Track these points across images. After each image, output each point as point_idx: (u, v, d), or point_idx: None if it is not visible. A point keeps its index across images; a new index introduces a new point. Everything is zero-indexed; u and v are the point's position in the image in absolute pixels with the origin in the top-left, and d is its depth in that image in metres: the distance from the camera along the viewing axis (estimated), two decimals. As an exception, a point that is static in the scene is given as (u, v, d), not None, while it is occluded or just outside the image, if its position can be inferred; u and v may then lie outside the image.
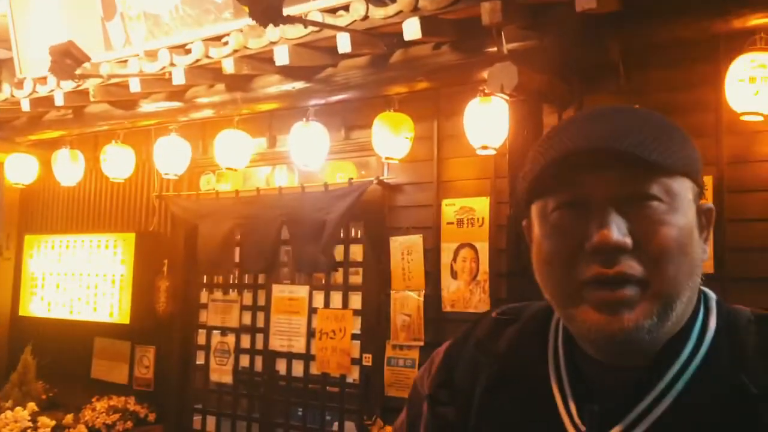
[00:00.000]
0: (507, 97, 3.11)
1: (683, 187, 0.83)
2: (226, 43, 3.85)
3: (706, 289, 0.90)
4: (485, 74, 3.14)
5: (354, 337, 4.19)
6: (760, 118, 2.72)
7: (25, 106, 4.84)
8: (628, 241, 0.79)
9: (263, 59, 3.82)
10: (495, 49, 3.14)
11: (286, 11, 2.93)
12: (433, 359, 1.06)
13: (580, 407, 0.85)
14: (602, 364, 0.85)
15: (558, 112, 3.48)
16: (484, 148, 3.37)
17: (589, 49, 3.09)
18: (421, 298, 3.87)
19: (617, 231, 0.79)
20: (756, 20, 2.67)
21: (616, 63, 3.10)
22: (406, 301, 3.92)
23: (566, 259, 0.82)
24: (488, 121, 3.34)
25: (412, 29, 3.10)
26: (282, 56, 3.57)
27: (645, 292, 0.80)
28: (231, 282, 4.96)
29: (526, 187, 0.87)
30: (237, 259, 4.68)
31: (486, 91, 3.27)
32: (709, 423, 0.79)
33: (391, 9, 3.19)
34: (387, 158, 3.78)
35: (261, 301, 4.70)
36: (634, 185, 0.80)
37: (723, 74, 2.92)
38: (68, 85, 4.53)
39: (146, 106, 4.61)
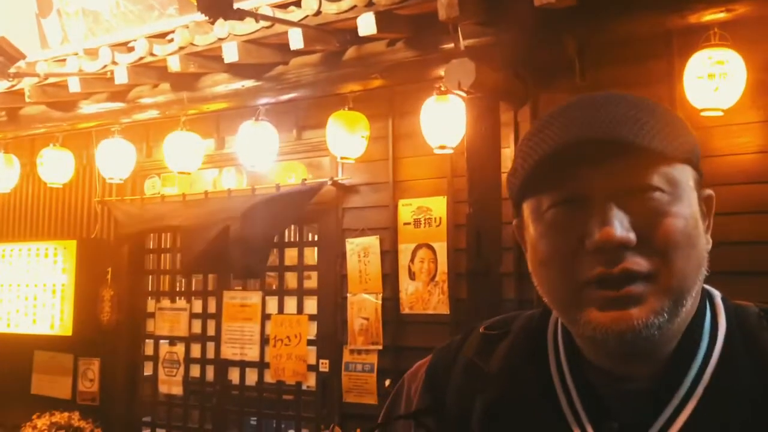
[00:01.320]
0: (464, 94, 3.06)
1: (684, 175, 0.78)
2: (171, 41, 3.69)
3: (708, 287, 0.85)
4: (442, 71, 3.09)
5: (310, 342, 4.08)
6: (720, 113, 2.74)
7: (-45, 108, 4.57)
8: (632, 236, 0.74)
9: (211, 57, 3.68)
10: (452, 45, 3.09)
11: (236, 5, 2.82)
12: (406, 383, 0.97)
13: (597, 426, 0.78)
14: (612, 374, 0.79)
15: (513, 110, 3.47)
16: (442, 147, 3.32)
17: (545, 46, 3.07)
18: (379, 301, 3.79)
19: (620, 226, 0.73)
20: (710, 15, 2.68)
21: (571, 60, 3.08)
22: (364, 305, 3.83)
23: (565, 259, 0.76)
24: (445, 120, 3.29)
25: (366, 24, 3.02)
26: (231, 53, 3.44)
27: (653, 287, 0.74)
28: (179, 290, 4.78)
29: (517, 185, 0.81)
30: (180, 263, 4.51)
31: (443, 88, 3.22)
32: (737, 426, 0.74)
33: (345, 4, 3.10)
34: (343, 158, 3.68)
35: (211, 309, 4.54)
36: (634, 176, 0.75)
37: (678, 70, 2.94)
38: (2, 85, 4.29)
39: (86, 108, 4.40)
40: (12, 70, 3.65)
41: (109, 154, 4.33)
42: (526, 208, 0.82)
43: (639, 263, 0.73)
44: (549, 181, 0.77)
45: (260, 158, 3.93)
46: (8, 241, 5.19)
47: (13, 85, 4.24)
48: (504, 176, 3.09)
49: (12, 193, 5.05)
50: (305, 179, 4.20)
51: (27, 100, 4.26)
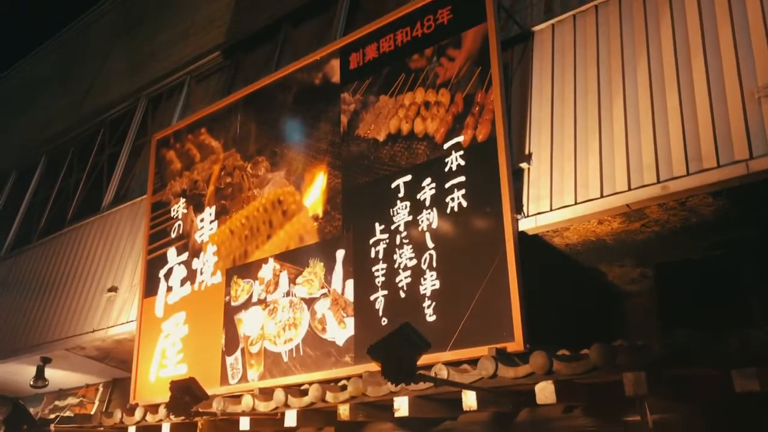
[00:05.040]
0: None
1: None
2: (344, 388, 3.79)
3: None
4: (626, 444, 2.88)
5: None
6: None
7: (132, 433, 4.81)
8: None
9: (380, 406, 3.70)
10: (636, 417, 2.91)
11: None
12: None
13: None
14: None
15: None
16: None
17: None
18: None
19: None
20: None
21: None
22: None
23: None
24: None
25: (545, 394, 2.94)
26: (402, 408, 3.43)
27: None
28: None
29: None
30: None
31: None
32: None
33: (522, 370, 3.08)
34: None
35: None
36: None
37: None
38: (178, 417, 4.50)
39: (251, 445, 4.46)
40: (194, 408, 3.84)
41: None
42: None
43: None
44: None
45: None
46: None
47: (188, 419, 4.43)
48: None
49: None
50: None
51: (198, 433, 4.41)
